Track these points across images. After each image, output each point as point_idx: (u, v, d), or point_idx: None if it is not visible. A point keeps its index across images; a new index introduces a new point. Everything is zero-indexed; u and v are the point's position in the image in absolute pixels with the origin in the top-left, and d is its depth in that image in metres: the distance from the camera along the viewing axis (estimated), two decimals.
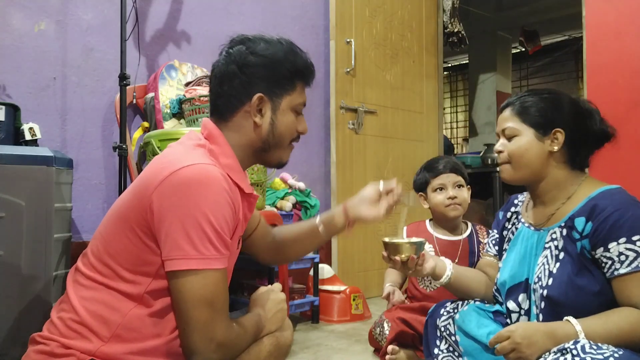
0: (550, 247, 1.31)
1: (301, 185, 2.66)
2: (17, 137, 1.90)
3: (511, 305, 1.37)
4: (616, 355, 1.05)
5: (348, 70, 3.21)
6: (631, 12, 2.33)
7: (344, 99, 3.20)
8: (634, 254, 1.17)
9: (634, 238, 1.17)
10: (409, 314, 1.90)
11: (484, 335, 1.39)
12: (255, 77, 1.13)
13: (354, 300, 2.72)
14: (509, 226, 1.49)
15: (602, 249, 1.20)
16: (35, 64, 2.31)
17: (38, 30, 2.33)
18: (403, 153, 3.56)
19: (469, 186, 2.05)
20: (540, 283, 1.29)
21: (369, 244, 3.29)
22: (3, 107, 1.86)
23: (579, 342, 1.08)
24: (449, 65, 8.39)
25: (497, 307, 1.47)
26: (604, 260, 1.20)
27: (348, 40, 3.22)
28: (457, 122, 8.80)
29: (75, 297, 1.03)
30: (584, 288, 1.22)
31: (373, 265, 3.31)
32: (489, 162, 4.92)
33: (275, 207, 2.51)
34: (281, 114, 1.15)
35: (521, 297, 1.35)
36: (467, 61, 7.11)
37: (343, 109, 3.19)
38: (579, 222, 1.25)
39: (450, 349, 1.48)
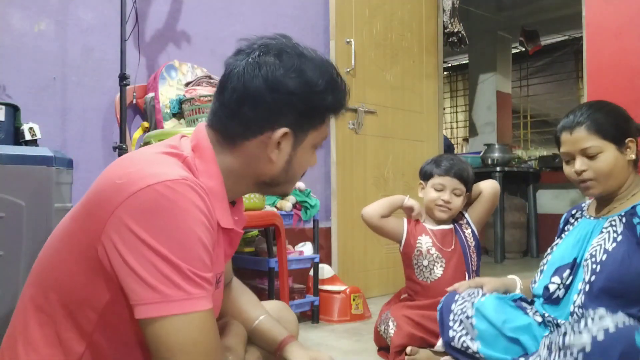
0: (609, 230, 1.36)
1: (301, 185, 2.66)
2: (17, 137, 1.90)
3: (555, 279, 1.42)
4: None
5: (348, 70, 3.21)
6: (631, 12, 2.33)
7: None
8: None
9: None
10: (415, 310, 1.89)
11: (500, 321, 1.40)
12: (285, 104, 0.90)
13: (354, 300, 2.72)
14: (572, 220, 1.57)
15: None
16: (35, 64, 2.31)
17: (38, 30, 2.33)
18: (403, 153, 3.55)
19: (468, 193, 2.05)
20: (593, 259, 1.34)
21: (369, 244, 3.29)
22: (3, 107, 1.86)
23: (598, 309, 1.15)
24: (449, 65, 8.39)
25: (516, 295, 1.53)
26: None
27: (348, 40, 3.22)
28: (457, 122, 8.80)
29: (20, 347, 0.87)
30: (637, 267, 1.26)
31: (373, 265, 3.30)
32: (489, 162, 4.92)
33: (275, 207, 2.51)
34: (301, 150, 0.96)
35: (566, 273, 1.40)
36: (467, 61, 7.11)
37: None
38: None
39: (464, 331, 1.48)
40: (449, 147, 5.42)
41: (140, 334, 0.84)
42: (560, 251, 1.47)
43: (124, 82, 2.18)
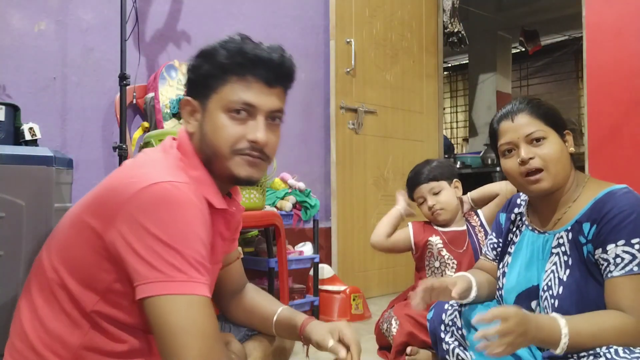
0: (558, 253, 1.27)
1: (301, 185, 2.66)
2: (17, 137, 1.90)
3: None
4: None
5: (348, 70, 3.21)
6: (631, 12, 2.33)
7: (344, 99, 3.20)
8: (630, 257, 1.14)
9: (633, 241, 1.14)
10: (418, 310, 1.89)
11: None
12: (190, 80, 1.03)
13: (354, 300, 2.72)
14: (514, 229, 1.45)
15: (600, 250, 1.18)
16: (35, 64, 2.31)
17: (38, 30, 2.33)
18: (403, 153, 3.56)
19: (456, 180, 2.05)
20: (550, 292, 1.25)
21: (369, 244, 3.28)
22: (3, 107, 1.86)
23: (611, 346, 1.06)
24: (449, 65, 8.39)
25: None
26: (601, 262, 1.18)
27: (348, 40, 3.22)
28: (457, 122, 8.80)
29: (27, 320, 0.95)
30: (595, 298, 1.18)
31: (373, 265, 3.30)
32: (489, 162, 4.91)
33: (275, 207, 2.51)
34: (208, 115, 0.99)
35: (533, 304, 1.30)
36: (467, 61, 7.11)
37: (343, 109, 3.19)
38: (586, 227, 1.22)
39: (457, 342, 1.47)
40: (449, 147, 5.41)
41: (139, 317, 0.92)
42: (514, 275, 1.36)
43: (124, 82, 2.18)
